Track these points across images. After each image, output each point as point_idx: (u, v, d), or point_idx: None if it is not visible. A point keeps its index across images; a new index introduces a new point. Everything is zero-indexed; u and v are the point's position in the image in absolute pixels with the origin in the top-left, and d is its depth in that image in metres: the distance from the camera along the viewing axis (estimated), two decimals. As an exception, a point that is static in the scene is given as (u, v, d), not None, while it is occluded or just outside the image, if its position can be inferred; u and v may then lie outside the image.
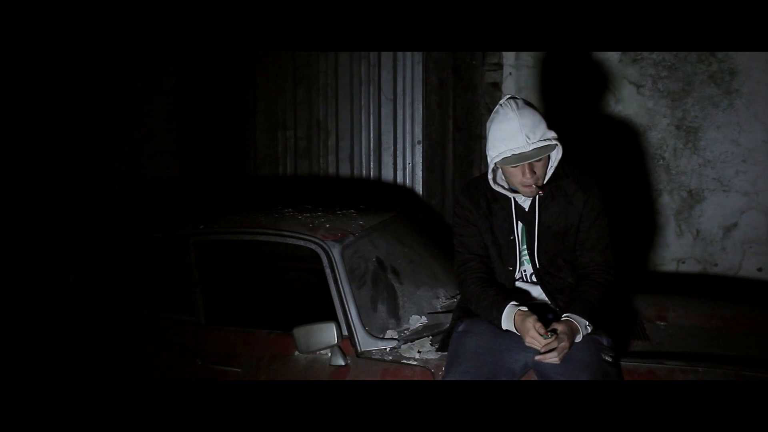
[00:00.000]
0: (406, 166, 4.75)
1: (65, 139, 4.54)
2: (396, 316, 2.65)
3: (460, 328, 2.36)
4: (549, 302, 2.36)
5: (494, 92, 4.32)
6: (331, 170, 4.94)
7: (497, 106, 2.22)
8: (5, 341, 2.96)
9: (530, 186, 2.20)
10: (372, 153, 4.82)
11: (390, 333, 2.57)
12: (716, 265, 4.08)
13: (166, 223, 3.03)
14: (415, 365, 2.41)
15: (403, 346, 2.50)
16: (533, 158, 2.14)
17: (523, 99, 2.22)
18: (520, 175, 2.19)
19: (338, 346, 2.48)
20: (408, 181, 4.75)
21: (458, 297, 2.77)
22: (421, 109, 4.64)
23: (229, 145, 5.07)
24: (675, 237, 4.13)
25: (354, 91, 4.82)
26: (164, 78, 4.83)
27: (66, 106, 4.48)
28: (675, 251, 4.14)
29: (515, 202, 2.32)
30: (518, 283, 2.40)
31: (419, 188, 4.71)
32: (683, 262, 4.13)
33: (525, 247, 2.34)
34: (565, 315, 2.19)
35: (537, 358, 2.11)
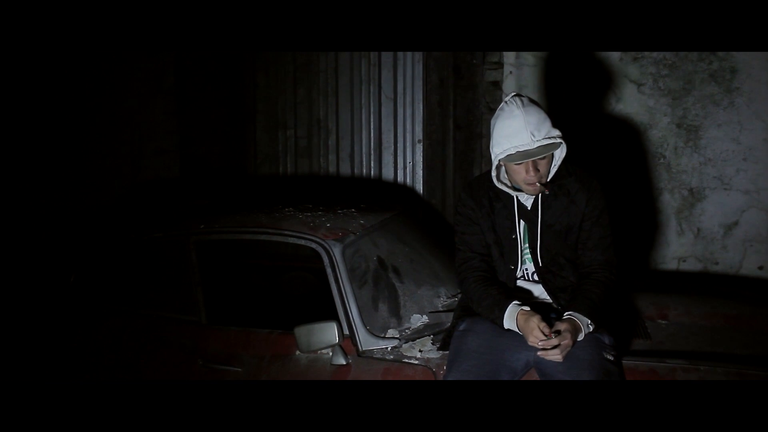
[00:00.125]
0: (407, 165, 4.75)
1: (65, 139, 4.53)
2: (397, 315, 2.65)
3: (462, 326, 2.35)
4: (551, 301, 2.35)
5: (495, 91, 4.31)
6: (332, 169, 4.94)
7: (502, 104, 2.22)
8: (6, 341, 2.96)
9: (534, 184, 2.20)
10: (372, 152, 4.82)
11: (391, 332, 2.57)
12: (717, 263, 4.08)
13: (167, 222, 3.03)
14: (416, 364, 2.41)
15: (404, 345, 2.49)
16: (537, 156, 2.14)
17: (528, 97, 2.22)
18: (523, 173, 2.19)
19: (339, 345, 2.47)
20: (408, 180, 4.75)
21: (459, 296, 2.77)
22: (421, 108, 4.64)
23: (229, 145, 5.07)
24: (676, 235, 4.13)
25: (354, 90, 4.81)
26: (164, 78, 4.82)
27: (66, 106, 4.47)
28: (676, 250, 4.13)
29: (518, 200, 2.32)
30: (520, 282, 2.40)
31: (420, 187, 4.71)
32: (684, 261, 4.13)
33: (527, 245, 2.33)
34: (567, 313, 2.19)
35: (539, 354, 2.10)
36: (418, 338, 2.53)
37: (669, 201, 4.12)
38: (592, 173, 2.38)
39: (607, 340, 2.25)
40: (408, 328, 2.61)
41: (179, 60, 4.84)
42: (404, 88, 4.68)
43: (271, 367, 2.58)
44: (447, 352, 2.36)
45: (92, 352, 2.84)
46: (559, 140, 2.17)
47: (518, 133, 2.13)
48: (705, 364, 2.28)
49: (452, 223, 2.47)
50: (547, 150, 2.15)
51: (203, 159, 4.96)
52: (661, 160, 4.10)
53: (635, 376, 2.25)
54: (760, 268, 4.02)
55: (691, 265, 4.12)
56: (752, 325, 2.73)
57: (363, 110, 4.81)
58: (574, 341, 2.13)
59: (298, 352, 2.55)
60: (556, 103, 4.13)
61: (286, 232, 2.75)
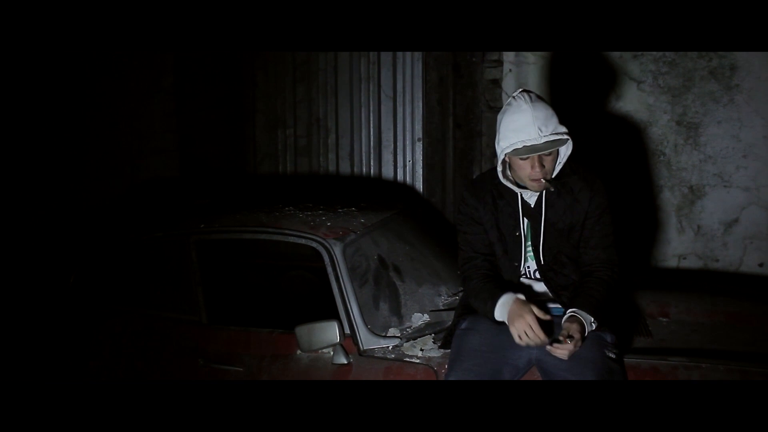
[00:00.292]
0: (407, 164, 4.74)
1: (64, 139, 4.53)
2: (398, 314, 2.64)
3: (463, 325, 2.35)
4: (553, 298, 2.35)
5: (494, 89, 4.31)
6: (331, 168, 4.93)
7: (510, 99, 2.22)
8: (6, 342, 2.95)
9: (538, 180, 2.20)
10: (372, 151, 4.81)
11: (392, 331, 2.56)
12: (717, 260, 4.08)
13: (167, 222, 3.03)
14: (417, 363, 2.41)
15: (405, 344, 2.49)
16: (544, 151, 2.13)
17: (535, 93, 2.22)
18: (528, 168, 2.18)
19: (340, 344, 2.47)
20: (408, 179, 4.74)
21: (460, 294, 2.77)
22: (421, 106, 4.63)
23: (228, 144, 5.06)
24: (676, 233, 4.12)
25: (354, 89, 4.81)
26: (163, 77, 4.82)
27: (65, 106, 4.47)
28: (676, 247, 4.13)
29: (521, 197, 2.32)
30: (522, 279, 2.39)
31: (419, 186, 4.71)
32: (684, 258, 4.13)
33: (530, 243, 2.33)
34: (570, 310, 2.19)
35: (548, 348, 2.10)
36: (420, 337, 2.52)
37: (669, 198, 4.11)
38: (595, 172, 2.37)
39: (609, 338, 2.25)
40: (409, 327, 2.61)
41: (178, 59, 4.83)
42: (404, 87, 4.67)
43: (272, 366, 2.57)
44: (448, 350, 2.36)
45: (92, 353, 2.84)
46: (565, 137, 2.16)
47: (526, 127, 2.12)
48: (707, 362, 2.28)
49: (454, 223, 2.46)
50: (554, 146, 2.15)
51: (202, 158, 4.96)
52: (661, 158, 4.10)
53: (637, 374, 2.25)
54: (761, 265, 4.02)
55: (692, 263, 4.12)
56: (753, 322, 2.73)
57: (362, 109, 4.80)
58: (583, 339, 2.13)
59: (299, 352, 2.55)
60: (556, 100, 4.13)
61: (286, 232, 2.74)
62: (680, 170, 4.08)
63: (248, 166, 5.12)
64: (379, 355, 2.48)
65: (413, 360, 2.43)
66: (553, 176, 2.26)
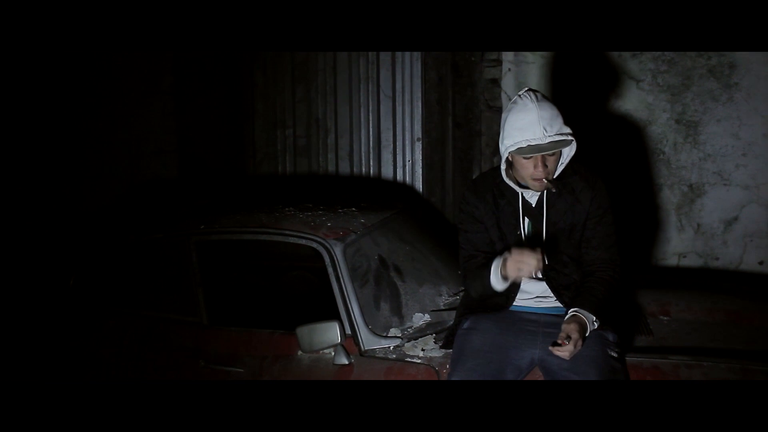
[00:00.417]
0: (406, 164, 4.74)
1: (63, 140, 4.51)
2: (399, 314, 2.64)
3: (465, 325, 2.35)
4: (554, 298, 2.35)
5: (493, 88, 4.31)
6: (331, 168, 4.93)
7: (515, 97, 2.21)
8: (6, 344, 2.95)
9: (540, 180, 2.19)
10: (371, 151, 4.81)
11: (393, 331, 2.56)
12: (717, 259, 4.08)
13: (167, 223, 3.02)
14: (419, 363, 2.41)
15: (406, 344, 2.49)
16: (548, 151, 2.13)
17: (541, 92, 2.22)
18: (531, 168, 2.18)
19: (341, 345, 2.47)
20: (408, 179, 4.74)
21: (461, 294, 2.77)
22: (420, 106, 4.63)
23: (227, 144, 5.05)
24: (676, 231, 4.13)
25: (353, 89, 4.80)
26: (162, 77, 4.81)
27: (63, 107, 4.46)
28: (676, 245, 4.13)
29: (522, 197, 2.32)
30: (523, 279, 2.39)
31: (419, 185, 4.70)
32: (684, 257, 4.13)
33: (531, 243, 2.32)
34: (572, 309, 2.19)
35: (549, 348, 2.09)
36: (421, 337, 2.52)
37: (669, 197, 4.12)
38: (597, 172, 2.37)
39: (611, 337, 2.25)
40: (410, 327, 2.61)
41: (177, 60, 4.83)
42: (403, 86, 4.67)
43: (273, 367, 2.57)
44: (450, 350, 2.36)
45: (93, 355, 2.83)
46: (570, 138, 2.16)
47: (531, 126, 2.12)
48: (708, 360, 2.28)
49: (456, 222, 2.45)
50: (558, 146, 2.15)
51: (202, 159, 4.95)
52: (661, 156, 4.10)
53: (639, 373, 2.25)
54: (761, 263, 4.02)
55: (692, 261, 4.12)
56: (754, 320, 2.74)
57: (362, 109, 4.80)
58: (584, 339, 2.13)
59: (300, 352, 2.55)
60: (555, 100, 4.11)
61: (286, 232, 2.74)
62: (680, 169, 4.08)
63: (247, 166, 5.12)
64: (381, 355, 2.47)
65: (414, 360, 2.42)
66: (554, 177, 2.26)
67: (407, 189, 4.73)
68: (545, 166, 2.18)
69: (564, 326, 2.14)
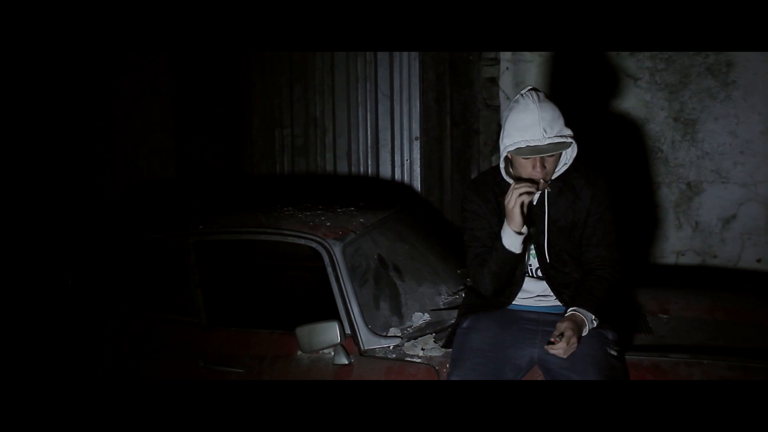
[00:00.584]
0: (404, 163, 4.74)
1: (61, 141, 4.51)
2: (398, 313, 2.64)
3: (465, 324, 2.35)
4: (554, 297, 2.34)
5: (491, 87, 4.31)
6: (329, 168, 4.92)
7: (517, 96, 2.21)
8: (5, 345, 2.94)
9: (538, 180, 2.19)
10: (369, 150, 4.81)
11: (393, 331, 2.56)
12: (715, 256, 4.09)
13: (165, 223, 3.01)
14: (419, 363, 2.41)
15: (406, 344, 2.49)
16: (547, 153, 2.13)
17: (543, 92, 2.21)
18: (530, 168, 2.18)
19: (341, 344, 2.46)
20: (406, 178, 4.74)
21: (462, 293, 2.77)
22: (418, 105, 4.63)
23: (225, 144, 5.05)
24: (674, 229, 4.13)
25: (350, 88, 4.80)
26: (159, 78, 4.80)
27: (61, 107, 4.46)
28: (674, 243, 4.14)
29: None
30: (524, 277, 2.39)
31: (417, 185, 4.70)
32: (683, 255, 4.13)
33: (532, 241, 2.32)
34: (571, 308, 2.19)
35: (546, 347, 2.10)
36: (420, 336, 2.52)
37: (667, 195, 4.12)
38: (597, 170, 2.37)
39: (610, 335, 2.25)
40: (410, 327, 2.60)
41: (174, 60, 4.82)
42: (401, 86, 4.67)
43: (272, 367, 2.57)
44: (450, 350, 2.35)
45: (91, 355, 2.83)
46: (570, 140, 2.16)
47: (531, 127, 2.12)
48: (708, 358, 2.28)
49: (460, 222, 2.44)
50: (557, 149, 2.14)
51: (199, 159, 4.94)
52: (659, 155, 4.11)
53: (638, 372, 2.25)
54: (759, 260, 4.03)
55: (690, 259, 4.12)
56: (753, 318, 2.74)
57: (359, 108, 4.80)
58: (579, 338, 2.13)
59: (299, 353, 2.54)
60: (553, 98, 4.12)
61: (285, 232, 2.74)
62: (678, 167, 4.08)
63: (245, 166, 5.11)
64: (380, 355, 2.47)
65: (414, 360, 2.42)
66: (553, 177, 2.26)
67: (405, 188, 4.73)
68: (543, 167, 2.18)
69: (558, 324, 2.14)
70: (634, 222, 4.10)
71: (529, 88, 2.22)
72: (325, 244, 2.63)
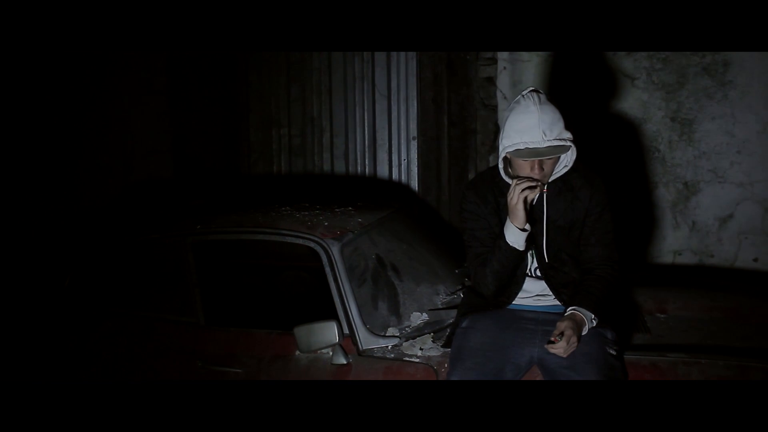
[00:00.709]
0: (402, 163, 4.74)
1: (57, 140, 4.49)
2: (397, 313, 2.64)
3: (464, 324, 2.35)
4: (553, 297, 2.35)
5: (489, 87, 4.31)
6: (326, 168, 4.92)
7: (518, 97, 2.21)
8: (2, 346, 2.93)
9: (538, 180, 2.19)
10: (367, 150, 4.80)
11: (391, 330, 2.56)
12: (712, 256, 4.10)
13: (163, 223, 3.01)
14: (417, 362, 2.40)
15: (404, 344, 2.49)
16: (545, 156, 2.13)
17: (545, 94, 2.21)
18: (527, 170, 2.18)
19: (339, 344, 2.46)
20: (403, 178, 4.74)
21: (460, 292, 2.77)
22: (415, 105, 4.63)
23: (222, 144, 5.04)
24: (671, 229, 4.14)
25: (348, 88, 4.80)
26: (156, 77, 4.79)
27: (57, 107, 4.44)
28: (671, 243, 4.15)
29: None
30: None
31: (415, 184, 4.70)
32: (680, 254, 4.14)
33: (531, 241, 2.32)
34: (571, 308, 2.19)
35: (546, 346, 2.10)
36: (419, 336, 2.52)
37: (664, 195, 4.13)
38: (595, 170, 2.38)
39: (609, 334, 2.26)
40: (408, 327, 2.60)
41: (171, 59, 4.81)
42: (398, 85, 4.67)
43: (271, 367, 2.56)
44: (449, 349, 2.35)
45: (89, 356, 2.82)
46: (569, 143, 2.16)
47: (530, 129, 2.12)
48: (706, 358, 2.29)
49: (460, 224, 2.44)
50: (556, 152, 2.14)
51: (196, 159, 4.94)
52: (656, 154, 4.11)
53: (637, 371, 2.26)
54: (755, 260, 4.04)
55: (687, 259, 4.13)
56: (751, 317, 2.74)
57: (357, 108, 4.79)
58: (579, 337, 2.13)
59: (298, 353, 2.54)
60: (554, 100, 4.13)
61: (283, 232, 2.73)
62: (675, 166, 4.09)
63: (242, 166, 5.11)
64: (379, 354, 2.47)
65: (413, 359, 2.42)
66: (552, 179, 2.26)
67: (403, 188, 4.73)
68: (542, 169, 2.18)
69: (558, 323, 2.15)
70: (632, 221, 4.11)
71: (531, 89, 2.21)
72: (324, 244, 2.62)
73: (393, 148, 4.74)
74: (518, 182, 2.13)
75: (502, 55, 4.24)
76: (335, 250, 2.61)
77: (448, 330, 2.47)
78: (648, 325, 2.67)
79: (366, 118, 4.78)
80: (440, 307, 2.74)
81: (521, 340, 2.24)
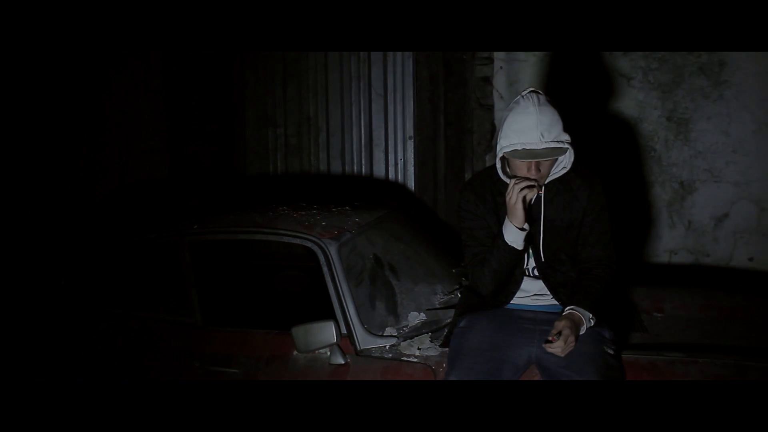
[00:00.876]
0: (398, 162, 4.73)
1: (52, 140, 4.47)
2: (394, 313, 2.63)
3: (462, 323, 2.35)
4: (551, 296, 2.35)
5: (485, 87, 4.31)
6: (322, 167, 4.91)
7: (518, 97, 2.21)
8: (-2, 347, 2.92)
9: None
10: (363, 149, 4.80)
11: (389, 330, 2.55)
12: (708, 255, 4.11)
13: (160, 223, 3.00)
14: (415, 362, 2.40)
15: (402, 344, 2.48)
16: (543, 157, 2.13)
17: (545, 96, 2.21)
18: (524, 170, 2.18)
19: (337, 344, 2.46)
20: (400, 177, 4.73)
21: (458, 292, 2.77)
22: (412, 104, 4.62)
23: (218, 144, 5.03)
24: (667, 228, 4.15)
25: (344, 87, 4.79)
26: (152, 77, 4.78)
27: (52, 107, 4.42)
28: (667, 242, 4.16)
29: None
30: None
31: (411, 184, 4.70)
32: (676, 254, 4.15)
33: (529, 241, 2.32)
34: (569, 307, 2.20)
35: (544, 345, 2.10)
36: (416, 336, 2.52)
37: (660, 194, 4.14)
38: (594, 169, 2.38)
39: (607, 334, 2.26)
40: (406, 326, 2.60)
41: (167, 59, 4.79)
42: (394, 85, 4.66)
43: (268, 368, 2.55)
44: (447, 349, 2.35)
45: (86, 357, 2.81)
46: (566, 146, 2.16)
47: (528, 130, 2.12)
48: (703, 357, 2.29)
49: (458, 223, 2.44)
50: (553, 153, 2.14)
51: (192, 158, 4.92)
52: (652, 154, 4.12)
53: (635, 370, 2.26)
54: (751, 259, 4.05)
55: (683, 258, 4.14)
56: (747, 316, 2.76)
57: (353, 107, 4.79)
58: (577, 336, 2.13)
59: (295, 353, 2.53)
60: (554, 102, 4.13)
61: (281, 232, 2.72)
62: (671, 166, 4.10)
63: (238, 165, 5.10)
64: (377, 354, 2.47)
65: (411, 359, 2.42)
66: (549, 180, 2.26)
67: (399, 187, 4.73)
68: (539, 170, 2.18)
69: (556, 323, 2.15)
70: (628, 221, 4.12)
71: (530, 89, 2.21)
72: (321, 244, 2.62)
73: (389, 148, 4.74)
74: (517, 182, 2.13)
75: (499, 55, 4.24)
76: (333, 249, 2.61)
77: (446, 330, 2.47)
78: (645, 324, 2.68)
79: (362, 117, 4.77)
80: (438, 306, 2.74)
81: (519, 339, 2.24)
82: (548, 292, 2.34)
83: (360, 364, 2.45)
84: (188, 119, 4.88)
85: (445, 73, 4.42)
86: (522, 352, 2.23)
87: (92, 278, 2.99)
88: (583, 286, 2.26)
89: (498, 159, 2.26)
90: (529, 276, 2.36)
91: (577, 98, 4.13)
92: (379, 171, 4.77)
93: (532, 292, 2.36)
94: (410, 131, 4.66)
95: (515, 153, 2.14)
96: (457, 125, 4.42)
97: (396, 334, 2.54)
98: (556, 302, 2.33)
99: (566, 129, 2.17)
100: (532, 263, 2.34)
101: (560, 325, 2.13)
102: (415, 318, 2.65)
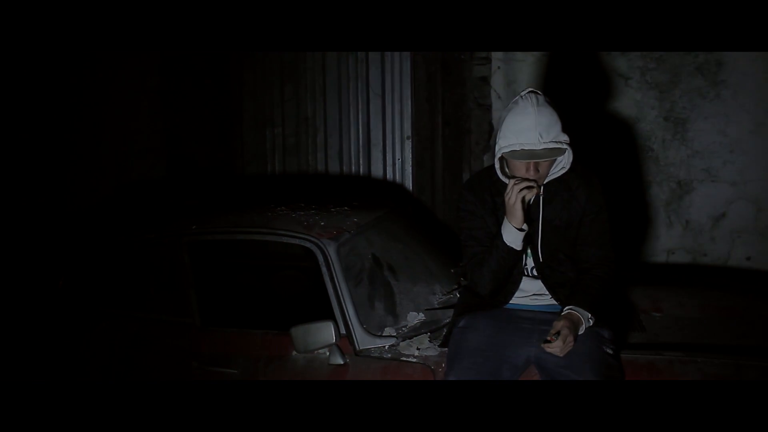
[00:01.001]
0: (396, 162, 4.73)
1: (50, 140, 4.47)
2: (393, 313, 2.63)
3: (461, 323, 2.35)
4: (550, 296, 2.35)
5: (483, 86, 4.31)
6: (320, 167, 4.91)
7: (517, 97, 2.21)
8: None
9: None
10: (361, 149, 4.80)
11: (388, 330, 2.56)
12: (705, 255, 4.12)
13: (158, 223, 2.99)
14: (414, 362, 2.40)
15: (401, 344, 2.49)
16: (541, 158, 2.13)
17: (544, 96, 2.21)
18: (523, 171, 2.18)
19: (336, 344, 2.46)
20: (398, 177, 4.73)
21: (457, 292, 2.77)
22: (409, 104, 4.62)
23: (216, 144, 5.02)
24: (665, 228, 4.16)
25: (342, 88, 4.79)
26: (149, 76, 4.77)
27: (50, 107, 4.42)
28: (665, 242, 4.16)
29: None
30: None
31: (409, 184, 4.70)
32: (673, 253, 4.16)
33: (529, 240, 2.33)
34: (568, 307, 2.20)
35: (543, 345, 2.10)
36: (415, 336, 2.52)
37: (657, 194, 4.14)
38: (592, 169, 2.38)
39: (606, 334, 2.26)
40: (405, 326, 2.60)
41: (164, 59, 4.79)
42: (392, 85, 4.66)
43: (267, 368, 2.55)
44: (446, 349, 2.35)
45: (84, 357, 2.80)
46: (565, 146, 2.16)
47: (527, 131, 2.12)
48: (702, 356, 2.30)
49: (457, 223, 2.44)
50: (552, 154, 2.14)
51: (190, 158, 4.92)
52: (649, 153, 4.13)
53: (633, 369, 2.26)
54: (748, 258, 4.06)
55: (680, 257, 4.15)
56: (745, 315, 2.76)
57: (351, 107, 4.79)
58: (575, 336, 2.14)
59: (294, 353, 2.53)
60: (553, 102, 4.13)
61: (279, 232, 2.72)
62: (668, 165, 4.11)
63: (236, 165, 5.09)
64: (376, 354, 2.47)
65: (410, 359, 2.42)
66: (548, 180, 2.26)
67: (397, 187, 4.72)
68: (537, 170, 2.18)
69: (554, 323, 2.15)
70: (625, 220, 4.12)
71: (529, 90, 2.21)
72: (320, 244, 2.62)
73: (387, 148, 4.74)
74: (516, 182, 2.14)
75: (497, 55, 4.25)
76: (332, 250, 2.61)
77: (445, 330, 2.47)
78: (644, 323, 2.69)
79: (360, 117, 4.77)
80: (437, 306, 2.74)
81: (518, 339, 2.25)
82: (547, 292, 2.34)
83: (359, 365, 2.45)
84: (186, 119, 4.88)
85: (443, 73, 4.42)
86: (521, 352, 2.23)
87: (90, 278, 2.98)
88: (582, 286, 2.26)
89: (497, 159, 2.26)
90: (527, 276, 2.36)
91: (575, 98, 4.13)
92: (376, 171, 4.77)
93: (530, 292, 2.36)
94: (408, 131, 4.66)
95: (514, 153, 2.15)
96: (454, 125, 4.42)
97: (395, 334, 2.54)
98: (555, 302, 2.33)
99: (565, 129, 2.17)
100: (530, 263, 2.35)
101: (559, 325, 2.13)
102: (414, 318, 2.65)
